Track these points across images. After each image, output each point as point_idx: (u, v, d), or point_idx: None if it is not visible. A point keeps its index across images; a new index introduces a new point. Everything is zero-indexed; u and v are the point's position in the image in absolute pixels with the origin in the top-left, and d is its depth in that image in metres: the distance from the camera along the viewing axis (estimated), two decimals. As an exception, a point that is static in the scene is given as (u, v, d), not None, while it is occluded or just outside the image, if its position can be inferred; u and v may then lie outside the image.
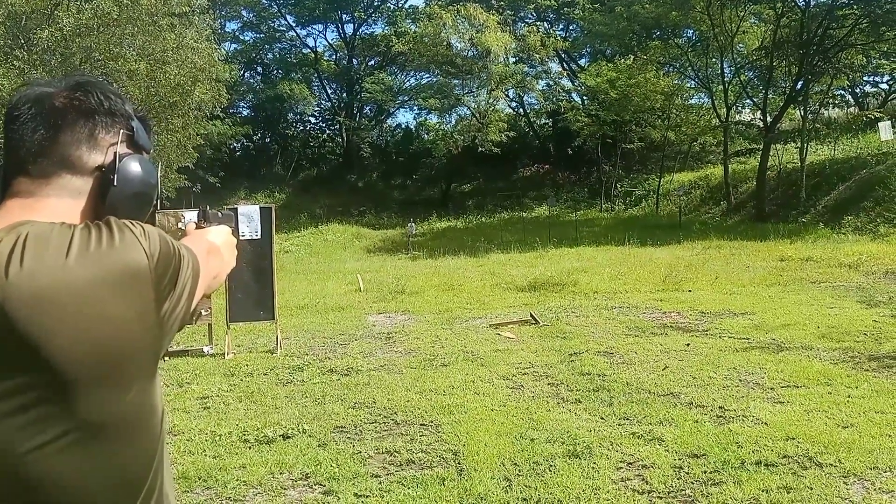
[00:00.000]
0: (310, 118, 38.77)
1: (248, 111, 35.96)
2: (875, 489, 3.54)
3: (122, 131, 1.09)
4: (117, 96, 1.11)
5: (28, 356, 0.88)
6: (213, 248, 1.24)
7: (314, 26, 37.65)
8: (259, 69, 38.45)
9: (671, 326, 7.96)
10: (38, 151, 1.03)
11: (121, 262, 0.94)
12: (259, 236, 7.38)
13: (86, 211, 1.04)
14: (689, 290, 10.46)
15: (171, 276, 1.01)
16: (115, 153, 1.07)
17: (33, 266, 0.89)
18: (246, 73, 37.28)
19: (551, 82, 32.70)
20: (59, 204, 1.02)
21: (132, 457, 0.98)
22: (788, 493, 3.53)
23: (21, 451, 0.88)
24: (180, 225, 6.92)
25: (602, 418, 4.86)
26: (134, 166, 1.08)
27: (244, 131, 32.91)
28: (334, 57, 38.78)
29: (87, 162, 1.05)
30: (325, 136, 38.64)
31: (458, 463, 4.15)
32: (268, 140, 37.85)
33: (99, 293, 0.92)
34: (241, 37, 37.28)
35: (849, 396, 5.05)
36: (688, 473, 3.86)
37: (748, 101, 25.61)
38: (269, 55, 38.04)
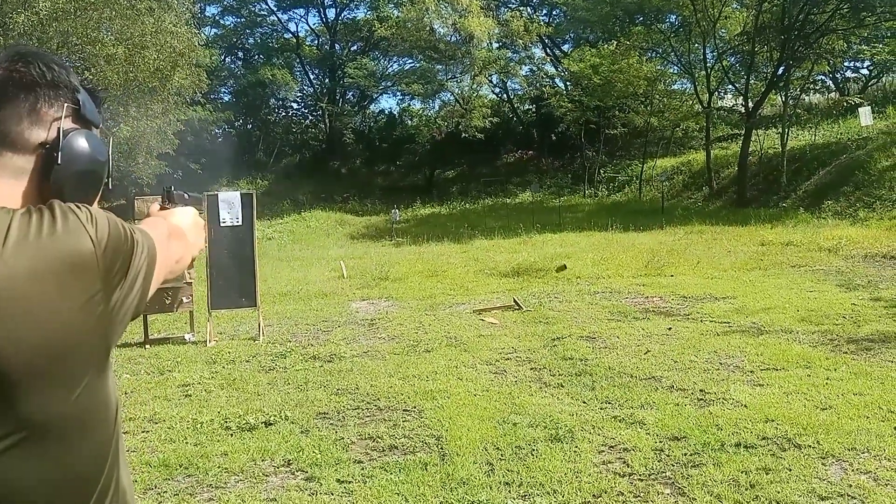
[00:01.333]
0: (292, 104, 38.46)
1: (229, 97, 35.59)
2: (853, 470, 3.58)
3: (66, 105, 1.01)
4: (61, 66, 1.03)
5: None
6: (175, 231, 1.17)
7: (295, 11, 37.23)
8: (240, 54, 38.02)
9: (653, 311, 8.00)
10: None
11: (64, 251, 0.88)
12: (240, 223, 7.32)
13: (29, 192, 0.97)
14: (672, 275, 10.52)
15: (121, 264, 0.94)
16: (59, 129, 0.99)
17: None
18: (226, 58, 36.86)
19: (534, 68, 32.60)
20: (2, 188, 0.95)
21: (82, 456, 0.93)
22: (767, 473, 3.57)
23: None
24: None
25: (584, 402, 4.89)
26: (80, 142, 1.00)
27: (225, 117, 32.56)
28: (316, 42, 38.42)
29: (29, 139, 0.97)
30: (307, 122, 38.35)
31: (441, 448, 4.16)
32: (249, 126, 37.49)
33: (40, 286, 0.85)
34: (222, 21, 36.84)
35: (827, 379, 5.11)
36: (668, 456, 3.89)
37: (730, 86, 25.72)
38: (250, 40, 37.59)
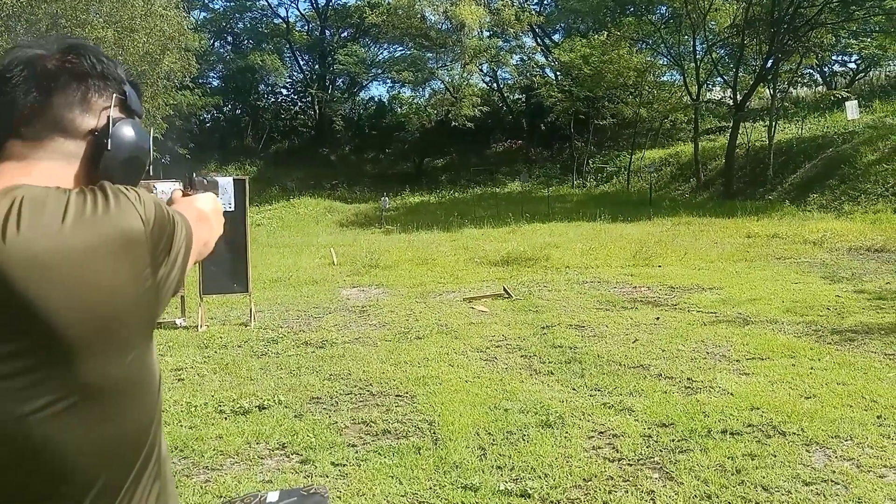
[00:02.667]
0: (281, 90, 38.25)
1: (218, 82, 35.34)
2: (836, 457, 3.68)
3: (114, 95, 1.08)
4: (109, 60, 1.09)
5: (26, 320, 0.88)
6: (202, 215, 1.23)
7: (286, -4, 36.99)
8: (229, 39, 37.74)
9: (641, 301, 8.10)
10: (31, 114, 1.02)
11: (117, 228, 0.94)
12: (233, 208, 7.33)
13: (78, 175, 1.03)
14: (659, 266, 10.63)
15: (165, 242, 1.01)
16: (109, 117, 1.06)
17: (30, 231, 0.89)
18: (216, 43, 36.56)
19: (525, 57, 32.57)
20: (52, 167, 1.01)
21: (130, 419, 0.98)
22: (753, 459, 3.66)
23: (20, 414, 0.88)
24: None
25: (574, 389, 4.97)
26: (127, 130, 1.08)
27: (214, 102, 32.35)
28: (306, 27, 38.20)
29: (80, 125, 1.04)
30: (296, 108, 38.16)
31: (434, 433, 4.23)
32: (238, 111, 37.29)
33: (95, 259, 0.92)
34: (211, 5, 36.51)
35: (812, 368, 5.21)
36: (657, 442, 3.97)
37: (719, 78, 25.82)
38: (240, 24, 37.29)
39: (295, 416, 4.60)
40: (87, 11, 15.73)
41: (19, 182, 0.96)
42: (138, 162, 1.11)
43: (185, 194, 1.32)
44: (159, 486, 1.05)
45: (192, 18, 30.00)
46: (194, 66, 20.02)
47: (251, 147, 34.61)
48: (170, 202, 1.28)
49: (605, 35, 26.00)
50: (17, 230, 0.88)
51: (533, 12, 30.77)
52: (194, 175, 1.37)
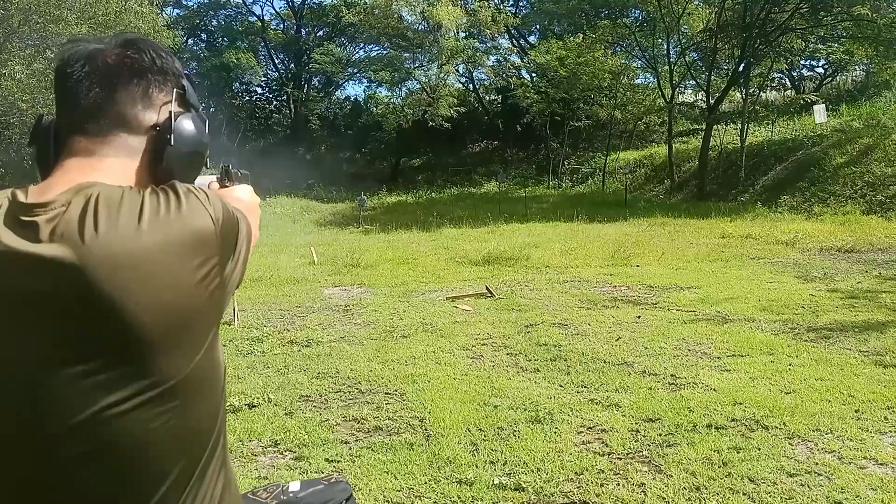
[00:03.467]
0: (256, 88, 38.02)
1: (191, 80, 34.98)
2: (818, 449, 3.80)
3: (174, 90, 1.10)
4: (167, 54, 1.11)
5: (106, 319, 0.90)
6: (249, 207, 1.23)
7: (260, -6, 36.79)
8: (203, 36, 37.42)
9: (621, 299, 8.22)
10: (95, 110, 1.02)
11: (190, 227, 0.96)
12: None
13: (141, 170, 1.04)
14: (637, 265, 10.78)
15: (232, 239, 1.03)
16: (171, 112, 1.07)
17: (108, 231, 0.91)
18: (189, 40, 36.25)
19: (501, 58, 32.76)
20: (117, 163, 1.02)
21: (202, 412, 1.01)
22: (738, 452, 3.77)
23: (98, 409, 0.91)
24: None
25: (561, 386, 5.05)
26: (188, 125, 1.09)
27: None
28: (282, 26, 38.01)
29: (143, 121, 1.06)
30: (272, 106, 37.96)
31: (425, 429, 4.28)
32: (212, 110, 36.94)
33: (170, 258, 0.94)
34: (185, 2, 36.24)
35: (790, 365, 5.36)
36: (644, 436, 4.07)
37: (692, 82, 26.19)
38: (214, 22, 37.02)
39: (286, 414, 4.62)
40: (60, 7, 15.51)
41: (89, 179, 0.98)
42: (199, 155, 1.13)
43: (222, 186, 1.33)
44: (224, 475, 1.08)
45: (165, 15, 29.68)
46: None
47: (226, 146, 34.30)
48: None
49: (581, 37, 26.25)
50: (94, 230, 0.91)
51: (509, 14, 30.95)
52: (230, 167, 1.39)
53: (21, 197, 0.97)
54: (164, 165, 1.05)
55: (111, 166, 1.02)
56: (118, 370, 0.92)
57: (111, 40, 1.08)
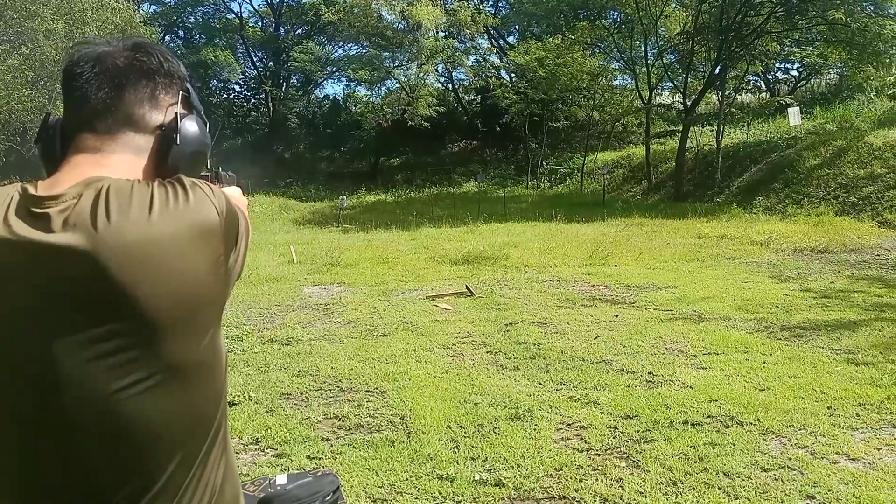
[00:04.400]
0: (234, 86, 37.78)
1: (168, 77, 34.66)
2: (791, 445, 3.89)
3: (180, 93, 1.15)
4: (174, 58, 1.16)
5: (118, 304, 0.94)
6: (241, 207, 1.27)
7: (239, -9, 36.58)
8: (181, 33, 37.15)
9: (599, 299, 8.30)
10: (103, 109, 1.06)
11: (198, 218, 1.00)
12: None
13: (147, 168, 1.09)
14: (615, 265, 10.88)
15: (234, 231, 1.07)
16: (176, 113, 1.12)
17: (120, 220, 0.95)
18: (167, 37, 35.91)
19: (480, 59, 32.86)
20: (123, 160, 1.06)
21: (206, 396, 1.05)
22: (714, 448, 3.84)
23: (110, 391, 0.95)
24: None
25: (540, 384, 5.10)
26: (192, 126, 1.14)
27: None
28: (260, 23, 37.81)
29: (150, 121, 1.10)
30: (250, 104, 37.72)
31: (406, 426, 4.31)
32: (190, 107, 36.65)
33: (179, 247, 0.98)
34: (162, -1, 35.90)
35: (764, 363, 5.46)
36: (622, 433, 4.13)
37: (669, 83, 26.45)
38: (192, 19, 36.78)
39: (266, 412, 4.63)
40: (36, 2, 15.35)
41: (97, 174, 1.01)
42: (201, 154, 1.18)
43: None
44: (226, 458, 1.12)
45: (142, 12, 29.39)
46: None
47: (203, 144, 34.00)
48: None
49: (560, 38, 26.38)
50: (107, 220, 0.94)
51: (489, 14, 31.03)
52: (220, 169, 1.42)
53: (31, 190, 1.00)
54: (170, 164, 1.10)
55: (118, 163, 1.06)
56: (128, 355, 0.96)
57: (119, 43, 1.12)
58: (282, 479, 1.77)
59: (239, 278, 1.15)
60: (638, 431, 4.13)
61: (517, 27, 34.91)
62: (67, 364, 0.94)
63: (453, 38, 30.82)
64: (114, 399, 0.95)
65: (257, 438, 4.18)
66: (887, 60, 21.16)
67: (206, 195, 1.03)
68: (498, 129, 32.64)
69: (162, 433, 1.00)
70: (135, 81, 1.09)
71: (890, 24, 19.17)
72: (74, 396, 0.95)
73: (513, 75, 30.43)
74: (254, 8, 38.22)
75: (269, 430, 4.28)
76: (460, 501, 3.37)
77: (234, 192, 1.35)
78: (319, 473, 1.80)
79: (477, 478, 3.56)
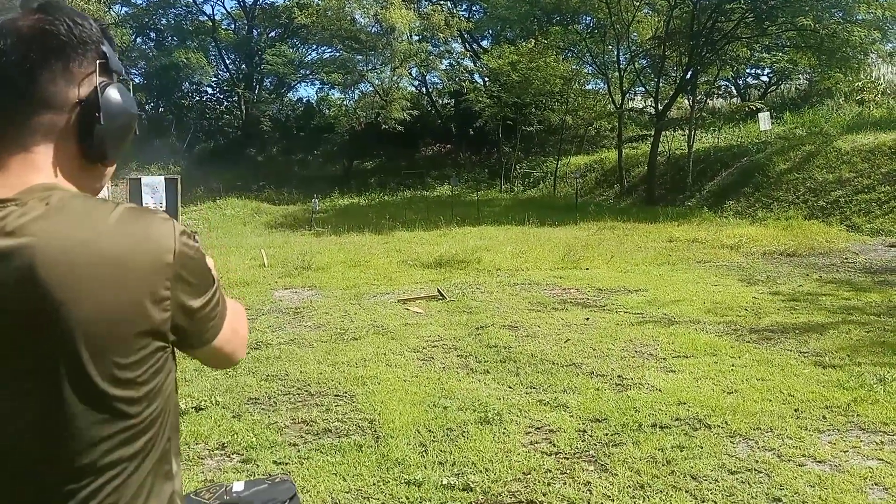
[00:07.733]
0: (206, 88, 37.32)
1: (140, 79, 34.19)
2: (758, 447, 3.91)
3: (96, 60, 1.01)
4: (83, 18, 1.01)
5: (49, 318, 0.89)
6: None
7: (211, -7, 36.20)
8: (152, 35, 36.62)
9: (571, 302, 8.32)
10: (15, 92, 0.95)
11: (149, 245, 0.96)
12: (164, 208, 7.18)
13: (73, 152, 1.00)
14: (587, 268, 10.92)
15: (196, 278, 1.03)
16: (96, 87, 1.00)
17: (66, 235, 0.90)
18: (138, 39, 35.44)
19: (454, 62, 32.85)
20: (48, 152, 0.98)
21: (145, 419, 0.99)
22: (682, 451, 3.85)
23: (48, 405, 0.92)
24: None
25: (510, 387, 5.09)
26: (114, 95, 1.02)
27: (136, 99, 31.27)
28: (233, 26, 37.45)
29: (66, 98, 0.98)
30: (222, 107, 37.33)
31: (375, 431, 4.27)
32: (161, 110, 36.25)
33: (124, 271, 0.93)
34: (134, 0, 35.45)
35: (733, 365, 5.50)
36: (591, 436, 4.13)
37: (641, 88, 26.67)
38: (164, 20, 36.24)
39: (233, 417, 4.56)
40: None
41: (36, 181, 0.95)
42: (129, 128, 1.08)
43: None
44: (166, 474, 1.08)
45: (113, 13, 29.05)
46: (116, 61, 19.37)
47: (175, 146, 33.66)
48: None
49: (533, 43, 26.47)
50: (53, 233, 0.90)
51: (462, 18, 31.08)
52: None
53: None
54: (96, 143, 1.01)
55: (45, 160, 0.98)
56: (56, 372, 0.91)
57: (18, 7, 0.96)
58: (239, 486, 1.73)
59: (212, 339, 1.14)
60: (606, 435, 4.14)
61: (491, 31, 34.96)
62: None
63: (427, 42, 30.79)
64: (48, 411, 0.92)
65: (223, 444, 4.12)
66: (855, 66, 21.53)
67: (166, 225, 0.99)
68: (472, 132, 32.64)
69: (97, 443, 0.95)
70: (45, 56, 0.96)
71: (858, 31, 19.50)
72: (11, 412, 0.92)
73: (486, 79, 30.46)
74: (226, 10, 37.87)
75: (235, 435, 4.22)
76: (427, 507, 3.34)
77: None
78: (277, 480, 1.75)
79: (445, 482, 3.53)
